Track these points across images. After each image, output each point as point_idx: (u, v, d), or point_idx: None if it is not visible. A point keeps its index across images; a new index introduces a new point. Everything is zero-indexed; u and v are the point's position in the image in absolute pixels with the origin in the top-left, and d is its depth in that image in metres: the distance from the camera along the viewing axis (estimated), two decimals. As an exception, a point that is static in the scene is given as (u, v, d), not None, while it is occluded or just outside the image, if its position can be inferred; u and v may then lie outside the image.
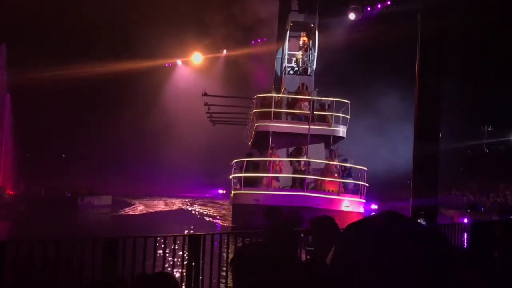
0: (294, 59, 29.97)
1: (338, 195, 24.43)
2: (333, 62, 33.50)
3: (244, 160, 25.98)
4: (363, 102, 33.48)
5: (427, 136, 18.82)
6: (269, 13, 35.04)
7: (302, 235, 6.39)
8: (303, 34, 30.09)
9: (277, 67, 32.07)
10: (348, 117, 27.48)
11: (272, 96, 27.47)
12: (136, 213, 35.00)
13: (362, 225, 1.78)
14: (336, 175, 25.28)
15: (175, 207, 40.45)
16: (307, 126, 25.42)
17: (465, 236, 15.30)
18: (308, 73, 29.53)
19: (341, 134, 27.24)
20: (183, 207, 40.67)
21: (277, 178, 25.27)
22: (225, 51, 48.57)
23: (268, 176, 24.76)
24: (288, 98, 27.96)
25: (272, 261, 2.45)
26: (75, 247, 8.32)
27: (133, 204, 40.66)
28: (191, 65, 50.30)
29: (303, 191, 24.01)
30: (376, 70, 39.83)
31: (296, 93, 28.09)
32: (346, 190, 25.49)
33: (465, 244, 14.27)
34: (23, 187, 40.17)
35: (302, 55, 29.73)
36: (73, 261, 8.21)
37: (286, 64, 29.94)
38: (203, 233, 9.60)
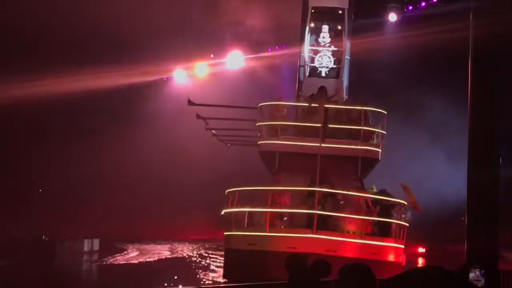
0: (316, 58, 28.21)
1: (361, 237, 21.61)
2: (368, 71, 33.32)
3: (236, 190, 23.20)
4: (404, 118, 33.04)
5: (484, 162, 18.43)
6: (289, 16, 34.44)
7: None
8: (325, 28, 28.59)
9: (301, 72, 29.24)
10: (384, 132, 25.07)
11: (279, 105, 25.24)
12: (127, 262, 34.72)
13: (405, 279, 1.81)
14: (360, 211, 22.19)
15: (178, 254, 40.30)
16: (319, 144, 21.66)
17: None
18: (339, 76, 27.77)
19: (374, 156, 24.64)
20: (188, 253, 40.55)
21: (279, 216, 22.76)
22: (238, 61, 47.58)
23: (266, 212, 21.92)
24: (302, 108, 25.53)
25: None
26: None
27: (125, 250, 40.43)
28: (195, 78, 49.98)
29: (311, 232, 20.92)
30: (421, 81, 39.69)
31: (311, 99, 25.39)
32: (387, 231, 22.58)
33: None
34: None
35: (326, 51, 28.10)
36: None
37: (307, 62, 27.98)
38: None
